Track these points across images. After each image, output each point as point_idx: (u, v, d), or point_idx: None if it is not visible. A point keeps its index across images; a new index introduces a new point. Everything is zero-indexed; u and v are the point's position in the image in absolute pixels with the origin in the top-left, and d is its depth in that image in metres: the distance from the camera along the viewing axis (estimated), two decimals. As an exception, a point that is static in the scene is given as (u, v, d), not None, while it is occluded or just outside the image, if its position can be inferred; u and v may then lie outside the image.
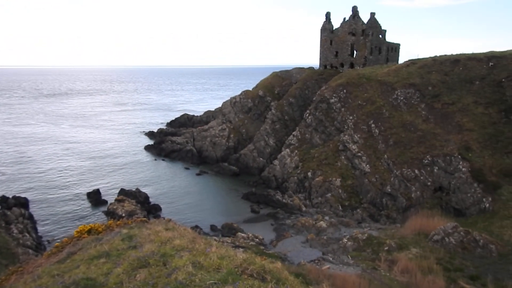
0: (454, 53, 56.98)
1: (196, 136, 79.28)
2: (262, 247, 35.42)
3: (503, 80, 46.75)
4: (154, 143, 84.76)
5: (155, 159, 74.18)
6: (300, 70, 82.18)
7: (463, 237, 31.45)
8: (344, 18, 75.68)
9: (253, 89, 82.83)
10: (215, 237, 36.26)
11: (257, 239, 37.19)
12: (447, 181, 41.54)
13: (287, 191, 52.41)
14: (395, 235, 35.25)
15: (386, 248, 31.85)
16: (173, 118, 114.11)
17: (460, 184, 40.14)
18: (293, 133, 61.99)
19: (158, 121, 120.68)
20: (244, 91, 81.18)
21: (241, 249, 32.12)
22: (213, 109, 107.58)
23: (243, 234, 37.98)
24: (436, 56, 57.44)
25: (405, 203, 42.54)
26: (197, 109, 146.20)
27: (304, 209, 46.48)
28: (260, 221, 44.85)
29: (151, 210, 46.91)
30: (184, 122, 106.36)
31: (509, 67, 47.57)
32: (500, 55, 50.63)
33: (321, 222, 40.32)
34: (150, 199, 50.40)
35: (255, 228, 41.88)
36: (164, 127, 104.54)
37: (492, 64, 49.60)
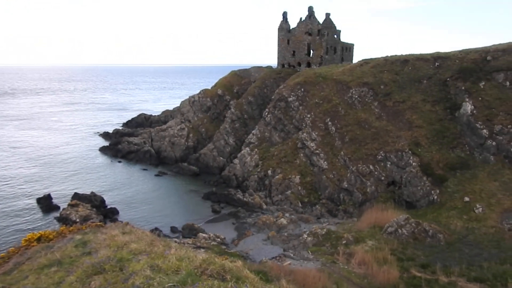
0: (404, 53, 59.96)
1: (154, 136, 77.43)
2: (223, 247, 35.33)
3: (448, 79, 49.84)
4: (109, 144, 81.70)
5: (111, 161, 71.57)
6: (259, 69, 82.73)
7: (414, 228, 33.19)
8: (301, 18, 77.12)
9: (212, 88, 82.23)
10: (175, 239, 35.65)
11: (219, 239, 37.03)
12: (399, 176, 43.65)
13: (247, 189, 52.62)
14: (352, 229, 36.52)
15: (344, 242, 32.93)
16: (130, 118, 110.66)
17: (411, 178, 42.34)
18: (253, 131, 62.31)
19: (114, 121, 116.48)
20: (203, 90, 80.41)
21: (202, 250, 31.84)
22: (172, 109, 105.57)
23: (204, 235, 37.66)
24: (387, 56, 60.08)
25: (361, 198, 44.18)
26: (155, 108, 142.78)
27: (264, 207, 46.91)
28: (222, 220, 44.70)
29: (108, 214, 45.21)
30: (141, 122, 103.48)
31: (452, 67, 50.77)
32: (445, 55, 53.90)
33: (282, 219, 40.90)
34: (107, 203, 48.57)
35: (216, 228, 41.67)
36: (120, 128, 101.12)
37: (438, 64, 52.70)
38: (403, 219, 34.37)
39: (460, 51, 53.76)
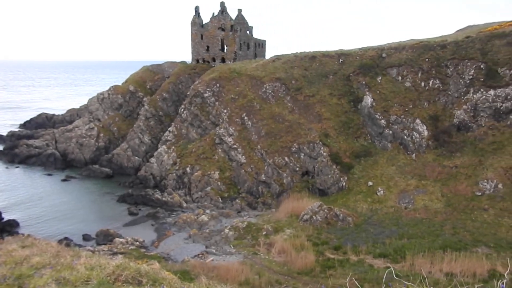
0: (312, 50, 63.53)
1: (59, 137, 70.73)
2: (143, 250, 33.94)
3: (351, 74, 54.23)
4: (4, 148, 72.43)
5: (7, 167, 63.63)
6: (172, 64, 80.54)
7: (327, 214, 35.63)
8: (213, 13, 76.88)
9: (123, 84, 77.80)
10: (89, 247, 33.19)
11: (137, 242, 35.45)
12: (312, 166, 46.39)
13: (166, 188, 51.16)
14: (271, 219, 37.89)
15: (264, 233, 34.00)
16: (28, 119, 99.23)
17: (322, 167, 45.31)
18: (169, 129, 60.64)
19: (8, 122, 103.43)
20: (113, 87, 75.64)
21: (120, 256, 30.16)
22: (78, 107, 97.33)
23: (121, 239, 35.71)
24: (297, 52, 63.11)
25: (278, 189, 45.99)
26: (58, 107, 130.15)
27: (185, 205, 46.12)
28: (140, 222, 42.81)
29: (5, 227, 40.18)
30: (42, 123, 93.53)
31: (354, 63, 55.36)
32: (347, 52, 58.49)
33: (203, 216, 40.67)
34: (3, 215, 43.10)
35: (134, 231, 39.80)
36: (17, 129, 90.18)
37: (341, 60, 56.99)
38: (316, 206, 36.65)
39: (360, 49, 58.79)
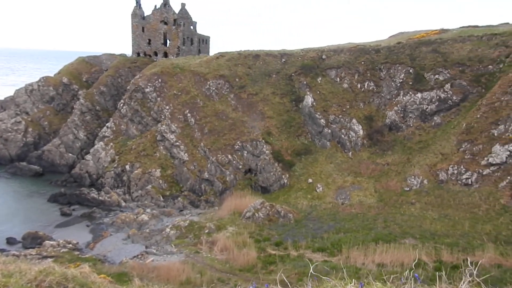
0: (255, 49, 64.09)
1: (-21, 132, 64.07)
2: (76, 253, 32.01)
3: (293, 74, 55.63)
4: None
5: None
6: (111, 56, 76.68)
7: (269, 211, 36.28)
8: (155, 6, 74.43)
9: (55, 75, 72.54)
10: (14, 252, 30.55)
11: (70, 245, 33.32)
12: (255, 163, 46.93)
13: (103, 187, 48.69)
14: (214, 217, 37.71)
15: (206, 231, 33.75)
16: None
17: (265, 165, 46.03)
18: (107, 124, 57.71)
19: None
20: (43, 78, 70.16)
21: (50, 259, 28.13)
22: (2, 99, 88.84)
23: (51, 242, 33.33)
24: (241, 50, 63.27)
25: (221, 187, 45.88)
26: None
27: (123, 204, 44.27)
28: (73, 223, 40.32)
29: None
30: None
31: (296, 63, 56.86)
32: (289, 52, 59.89)
33: (143, 216, 39.34)
34: None
35: (68, 233, 37.39)
36: None
37: (284, 60, 58.22)
38: (259, 203, 37.16)
39: (301, 49, 60.51)
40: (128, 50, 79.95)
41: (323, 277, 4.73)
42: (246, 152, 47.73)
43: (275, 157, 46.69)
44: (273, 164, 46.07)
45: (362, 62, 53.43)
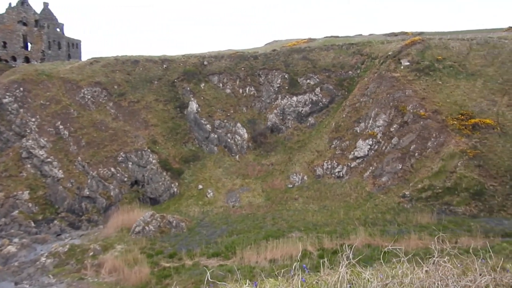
0: (134, 54, 61.14)
1: None
2: None
3: (175, 80, 54.82)
4: None
5: None
6: (-47, 62, 64.08)
7: (160, 222, 35.05)
8: (10, 4, 64.94)
9: None
10: None
11: None
12: (141, 174, 44.78)
13: (-48, 220, 40.30)
14: (99, 237, 34.76)
15: (91, 253, 30.88)
16: None
17: (152, 175, 44.31)
18: (-48, 143, 47.96)
19: None
20: None
21: None
22: None
23: None
24: (118, 56, 59.64)
25: (105, 203, 42.48)
26: None
27: (-18, 237, 37.38)
28: None
29: None
30: None
31: (178, 69, 56.18)
32: (171, 58, 58.83)
33: (9, 247, 33.85)
34: None
35: None
36: None
37: (165, 66, 56.95)
38: (149, 216, 35.61)
39: (183, 55, 60.06)
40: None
41: (219, 283, 4.83)
42: (131, 163, 45.17)
43: (163, 166, 45.34)
44: (161, 173, 44.64)
45: (242, 68, 55.70)
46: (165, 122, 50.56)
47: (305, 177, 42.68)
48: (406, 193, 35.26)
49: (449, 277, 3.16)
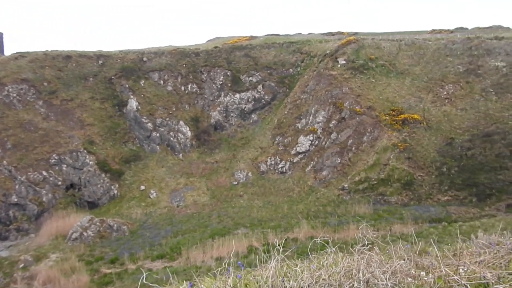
0: (65, 49, 57.19)
1: None
2: None
3: (113, 77, 52.28)
4: None
5: None
6: None
7: (99, 227, 33.35)
8: None
9: None
10: None
11: None
12: (77, 177, 42.20)
13: None
14: (30, 247, 32.27)
15: (21, 265, 28.54)
16: None
17: (90, 177, 41.95)
18: None
19: None
20: None
21: None
22: None
23: None
24: (47, 50, 55.40)
25: (37, 210, 39.40)
26: None
27: None
28: None
29: None
30: None
31: (116, 66, 53.62)
32: (107, 54, 55.94)
33: None
34: None
35: None
36: None
37: (101, 62, 54.04)
38: (86, 220, 33.74)
39: (120, 51, 57.43)
40: None
41: (151, 284, 4.68)
42: (65, 165, 42.35)
43: (101, 167, 43.10)
44: (99, 175, 42.41)
45: (184, 65, 54.65)
46: (103, 121, 48.07)
47: (250, 174, 43.09)
48: (345, 185, 37.08)
49: (374, 263, 3.40)
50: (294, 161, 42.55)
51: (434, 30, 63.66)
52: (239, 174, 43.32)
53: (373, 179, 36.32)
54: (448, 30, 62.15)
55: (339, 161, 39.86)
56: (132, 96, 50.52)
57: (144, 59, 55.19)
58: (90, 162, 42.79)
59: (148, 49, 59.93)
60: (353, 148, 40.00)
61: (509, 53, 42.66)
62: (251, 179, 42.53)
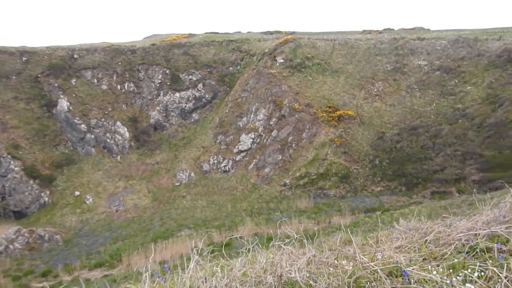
0: (-17, 45, 51.88)
1: None
2: None
3: (39, 75, 48.45)
4: None
5: None
6: None
7: (28, 238, 30.82)
8: None
9: None
10: None
11: None
12: (1, 185, 38.57)
13: None
14: None
15: None
16: None
17: (16, 185, 38.56)
18: None
19: None
20: None
21: None
22: None
23: None
24: (-40, 46, 49.89)
25: (-48, 223, 35.37)
26: None
27: None
28: None
29: None
30: None
31: (42, 63, 49.75)
32: (32, 50, 51.70)
33: None
34: None
35: None
36: None
37: (25, 59, 49.82)
38: (13, 232, 30.99)
39: (47, 47, 53.42)
40: None
41: None
42: (-15, 173, 38.46)
43: (29, 173, 39.79)
44: (27, 182, 39.12)
45: (119, 63, 52.27)
46: (29, 123, 44.38)
47: (192, 174, 42.47)
48: (287, 181, 38.02)
49: (291, 257, 3.52)
50: (237, 159, 42.70)
51: (364, 30, 67.54)
52: (182, 174, 42.50)
53: (313, 174, 37.65)
54: (377, 30, 66.32)
55: (280, 158, 40.74)
56: (62, 96, 47.24)
57: (75, 56, 51.88)
58: (16, 168, 39.32)
59: (79, 45, 56.43)
60: (293, 144, 41.11)
61: (429, 53, 46.54)
62: (194, 179, 41.94)
